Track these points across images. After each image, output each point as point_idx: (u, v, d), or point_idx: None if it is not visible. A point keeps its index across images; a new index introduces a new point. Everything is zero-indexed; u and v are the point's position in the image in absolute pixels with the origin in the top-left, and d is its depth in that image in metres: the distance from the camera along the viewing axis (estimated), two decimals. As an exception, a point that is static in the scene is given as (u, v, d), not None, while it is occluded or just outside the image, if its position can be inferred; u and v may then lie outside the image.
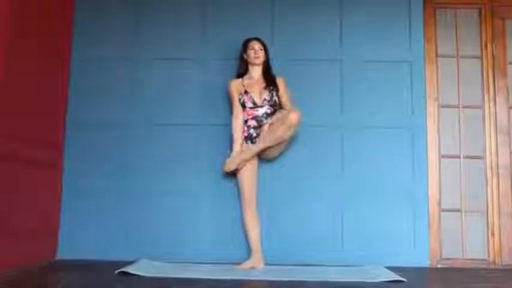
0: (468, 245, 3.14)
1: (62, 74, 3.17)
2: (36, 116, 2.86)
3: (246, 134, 2.94)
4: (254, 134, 2.92)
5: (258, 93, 2.95)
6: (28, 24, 2.72)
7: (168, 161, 3.17)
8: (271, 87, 2.97)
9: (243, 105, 2.96)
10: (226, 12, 3.23)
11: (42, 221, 2.97)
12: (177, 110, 3.22)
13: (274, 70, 3.05)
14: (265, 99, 2.94)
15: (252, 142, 2.92)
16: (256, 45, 2.99)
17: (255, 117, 2.93)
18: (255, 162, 2.96)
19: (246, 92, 2.96)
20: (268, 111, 2.93)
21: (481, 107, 3.27)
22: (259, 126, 2.92)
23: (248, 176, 2.92)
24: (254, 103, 2.93)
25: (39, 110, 2.89)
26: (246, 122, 2.96)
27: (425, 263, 3.06)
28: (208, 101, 3.21)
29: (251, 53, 2.98)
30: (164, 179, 3.15)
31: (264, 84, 2.98)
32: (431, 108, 3.24)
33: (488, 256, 3.13)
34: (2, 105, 2.48)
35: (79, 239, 3.08)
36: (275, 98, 2.95)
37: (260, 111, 2.92)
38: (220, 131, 3.17)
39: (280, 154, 3.05)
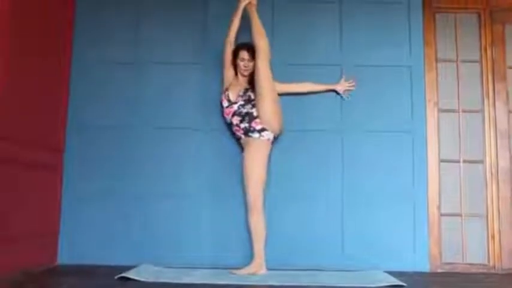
0: (468, 249, 3.15)
1: (62, 77, 3.17)
2: (37, 118, 2.86)
3: (241, 131, 2.93)
4: (247, 125, 2.91)
5: (236, 91, 2.99)
6: (29, 27, 2.72)
7: (168, 165, 3.17)
8: (249, 87, 3.00)
9: (221, 104, 3.02)
10: (227, 16, 3.21)
11: (43, 225, 2.97)
12: (177, 114, 3.23)
13: (274, 75, 3.00)
14: (239, 96, 2.97)
15: (250, 132, 2.90)
16: (247, 57, 3.00)
17: (234, 113, 2.94)
18: (269, 152, 2.92)
19: (226, 90, 3.01)
20: (242, 103, 2.95)
21: (480, 111, 3.29)
22: (244, 118, 2.91)
23: (264, 167, 2.87)
24: (229, 100, 2.97)
25: (40, 113, 2.89)
26: (231, 124, 2.98)
27: (425, 267, 3.08)
28: (208, 105, 3.22)
29: (241, 64, 3.02)
30: (164, 183, 3.15)
31: (247, 86, 3.01)
32: (431, 112, 3.25)
33: (488, 260, 3.14)
34: (3, 108, 2.48)
35: (79, 243, 3.08)
36: (249, 93, 2.97)
37: (235, 106, 2.95)
38: (221, 135, 3.18)
39: (281, 129, 2.97)
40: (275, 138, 2.98)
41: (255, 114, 2.91)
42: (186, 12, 3.31)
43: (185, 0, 3.33)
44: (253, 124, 2.90)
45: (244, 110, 2.93)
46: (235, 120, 2.94)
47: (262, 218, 2.85)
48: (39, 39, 2.85)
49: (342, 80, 3.21)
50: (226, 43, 3.02)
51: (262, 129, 2.89)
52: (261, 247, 2.83)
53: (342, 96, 3.21)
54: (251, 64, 3.01)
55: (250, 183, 2.84)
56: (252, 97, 2.95)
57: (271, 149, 2.97)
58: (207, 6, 3.31)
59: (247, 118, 2.91)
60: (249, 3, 2.99)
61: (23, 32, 2.66)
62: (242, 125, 2.92)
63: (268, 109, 2.88)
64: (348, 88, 3.21)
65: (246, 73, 3.03)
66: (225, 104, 2.98)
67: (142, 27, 3.29)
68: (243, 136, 2.94)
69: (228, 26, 3.01)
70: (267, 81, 2.88)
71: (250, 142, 2.91)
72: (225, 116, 3.00)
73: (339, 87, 3.20)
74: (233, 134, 3.05)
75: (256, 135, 2.90)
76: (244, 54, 3.01)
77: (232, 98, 2.97)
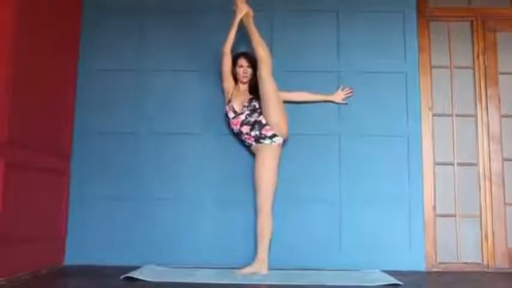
0: (462, 249, 3.23)
1: (69, 84, 3.25)
2: (46, 124, 2.94)
3: (252, 139, 3.00)
4: (258, 133, 2.98)
5: (240, 102, 3.06)
6: (37, 36, 2.80)
7: (171, 168, 3.25)
8: (252, 96, 3.07)
9: (226, 116, 3.09)
10: (226, 24, 3.25)
11: (51, 227, 3.04)
12: (179, 119, 3.31)
13: (274, 81, 3.02)
14: (244, 106, 3.04)
15: (262, 139, 2.97)
16: (245, 64, 3.09)
17: (242, 123, 3.01)
18: (279, 156, 2.99)
19: (229, 101, 3.08)
20: (249, 112, 3.02)
21: (473, 115, 3.38)
22: (253, 126, 2.98)
23: (276, 171, 2.94)
24: (235, 111, 3.04)
25: (48, 119, 2.97)
26: (240, 133, 3.04)
27: (421, 266, 3.14)
28: (209, 111, 3.30)
29: (240, 70, 3.10)
30: (166, 186, 3.23)
31: (249, 96, 3.09)
32: (426, 116, 3.33)
33: (482, 260, 3.21)
34: (12, 114, 2.55)
35: (86, 245, 3.15)
36: (254, 103, 3.04)
37: (242, 116, 3.02)
38: (222, 140, 3.26)
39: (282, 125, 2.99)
40: (283, 142, 3.06)
41: (263, 122, 2.98)
42: (187, 20, 3.40)
43: (186, 9, 3.42)
44: (263, 131, 2.97)
45: (252, 119, 2.99)
46: (245, 129, 3.00)
47: (270, 220, 2.90)
48: (47, 47, 2.93)
49: (339, 90, 3.28)
50: (224, 54, 3.07)
51: (273, 135, 2.97)
52: (265, 248, 2.88)
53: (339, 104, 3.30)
54: (250, 70, 3.09)
55: (261, 187, 2.90)
56: (257, 106, 3.03)
57: (281, 153, 3.04)
58: (207, 14, 3.40)
59: (257, 126, 2.98)
60: (246, 14, 3.03)
61: (32, 40, 2.74)
62: (253, 133, 2.98)
63: (276, 115, 2.95)
64: (346, 96, 3.28)
65: (245, 79, 3.11)
66: (231, 115, 3.05)
67: (145, 36, 3.38)
68: (254, 143, 3.01)
69: (225, 38, 3.05)
70: (271, 89, 2.95)
71: (262, 148, 2.97)
72: (233, 126, 3.06)
73: (336, 98, 3.27)
74: (242, 141, 3.12)
75: (267, 141, 2.97)
76: (242, 61, 3.10)
77: (237, 109, 3.04)
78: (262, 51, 2.95)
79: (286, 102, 3.16)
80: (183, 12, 3.42)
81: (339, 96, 3.27)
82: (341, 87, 3.29)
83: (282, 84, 3.13)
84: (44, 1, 2.89)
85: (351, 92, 3.28)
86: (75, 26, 3.34)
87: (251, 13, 3.04)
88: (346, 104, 3.28)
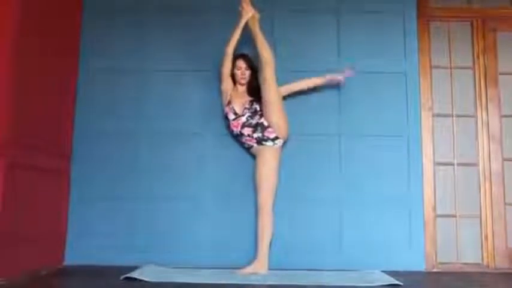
0: (462, 249, 3.24)
1: (69, 85, 3.26)
2: (46, 124, 2.94)
3: (253, 141, 3.01)
4: (260, 135, 2.99)
5: (240, 104, 3.07)
6: (38, 36, 2.81)
7: (171, 168, 3.25)
8: (253, 98, 3.08)
9: (226, 118, 3.09)
10: (227, 24, 3.28)
11: (51, 227, 3.04)
12: (180, 120, 3.31)
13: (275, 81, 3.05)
14: (245, 108, 3.05)
15: (264, 141, 2.99)
16: (243, 65, 3.09)
17: (243, 125, 3.02)
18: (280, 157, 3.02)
19: (229, 103, 3.08)
20: (250, 114, 3.03)
21: (473, 115, 3.38)
22: (255, 128, 3.00)
23: (277, 172, 2.97)
24: (235, 113, 3.05)
25: (48, 119, 2.97)
26: (241, 135, 3.04)
27: (421, 267, 3.15)
28: (209, 111, 3.30)
29: (238, 73, 3.11)
30: (167, 185, 3.23)
31: (248, 98, 3.10)
32: (426, 117, 3.34)
33: (482, 260, 3.22)
34: (12, 114, 2.56)
35: (86, 245, 3.15)
36: (255, 105, 3.06)
37: (243, 118, 3.03)
38: (222, 140, 3.26)
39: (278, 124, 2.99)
40: (283, 143, 3.07)
41: (265, 124, 2.99)
42: (187, 20, 3.40)
43: (186, 9, 3.42)
44: (266, 133, 2.98)
45: (253, 121, 3.01)
46: (247, 131, 3.01)
47: (270, 220, 2.92)
48: (48, 47, 2.93)
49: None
50: (226, 55, 3.06)
51: (276, 138, 2.99)
52: (265, 248, 2.89)
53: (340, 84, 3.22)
54: (248, 72, 3.10)
55: (263, 186, 2.93)
56: (258, 108, 3.04)
57: (281, 154, 3.07)
58: (207, 14, 3.40)
59: (259, 128, 2.99)
60: (252, 17, 3.03)
61: (33, 40, 2.75)
62: (255, 135, 2.99)
63: (277, 117, 2.97)
64: (348, 73, 3.15)
65: (243, 81, 3.12)
66: (232, 117, 3.05)
67: (145, 36, 3.39)
68: (255, 145, 3.02)
69: (229, 39, 3.05)
70: (274, 91, 2.97)
71: (263, 150, 2.99)
72: (233, 128, 3.07)
73: (339, 76, 3.14)
74: (241, 143, 3.12)
75: (270, 143, 2.99)
76: (241, 63, 3.10)
77: (238, 110, 3.05)
78: (266, 54, 2.97)
79: (289, 96, 3.17)
80: (183, 12, 3.43)
81: (341, 75, 3.15)
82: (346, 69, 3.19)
83: (283, 84, 3.14)
84: (45, 1, 2.89)
85: (352, 71, 3.17)
86: (75, 26, 3.35)
87: (257, 16, 3.04)
88: (354, 75, 3.17)
